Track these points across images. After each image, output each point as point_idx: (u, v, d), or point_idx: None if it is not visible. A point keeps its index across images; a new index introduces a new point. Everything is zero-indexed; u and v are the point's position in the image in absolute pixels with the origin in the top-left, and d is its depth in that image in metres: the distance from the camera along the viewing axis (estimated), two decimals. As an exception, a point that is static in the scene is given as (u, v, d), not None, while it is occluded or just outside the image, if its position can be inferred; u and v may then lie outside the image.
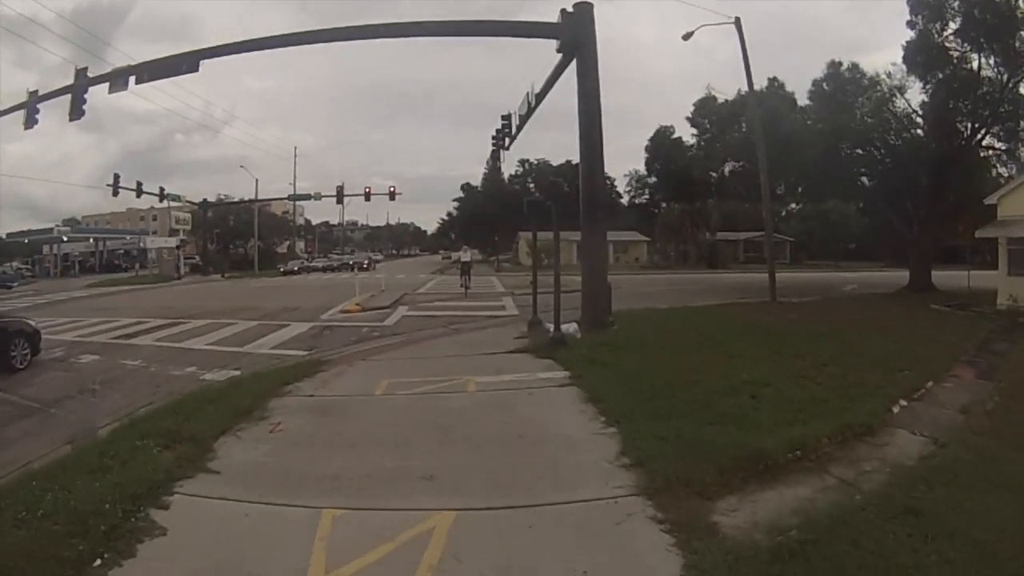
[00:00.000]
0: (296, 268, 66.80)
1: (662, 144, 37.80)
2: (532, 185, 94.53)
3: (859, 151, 29.55)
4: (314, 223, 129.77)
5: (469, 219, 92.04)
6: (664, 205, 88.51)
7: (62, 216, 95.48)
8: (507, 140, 28.45)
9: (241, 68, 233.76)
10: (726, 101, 33.32)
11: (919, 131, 28.37)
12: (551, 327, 14.12)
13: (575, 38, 15.22)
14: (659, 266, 63.30)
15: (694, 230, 63.22)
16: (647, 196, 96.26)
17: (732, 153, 32.30)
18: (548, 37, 15.83)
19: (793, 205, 54.72)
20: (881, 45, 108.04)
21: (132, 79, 19.23)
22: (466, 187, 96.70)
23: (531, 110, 22.38)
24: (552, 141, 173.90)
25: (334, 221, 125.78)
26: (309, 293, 31.77)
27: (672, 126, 38.27)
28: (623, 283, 39.56)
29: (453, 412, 8.45)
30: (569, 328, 14.44)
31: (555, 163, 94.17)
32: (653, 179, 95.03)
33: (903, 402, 8.97)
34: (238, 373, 12.15)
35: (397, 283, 38.21)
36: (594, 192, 15.98)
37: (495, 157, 31.53)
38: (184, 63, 18.64)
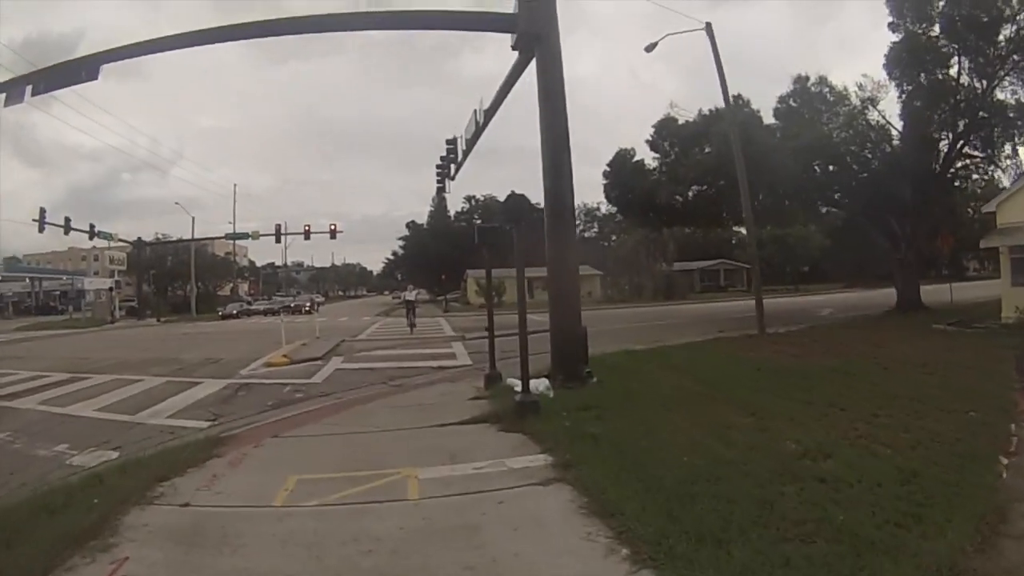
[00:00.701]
0: (235, 312, 62.64)
1: (622, 168, 35.26)
2: (479, 221, 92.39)
3: (831, 167, 28.13)
4: (259, 264, 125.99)
5: (415, 258, 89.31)
6: (615, 238, 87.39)
7: (4, 254, 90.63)
8: (452, 168, 26.04)
9: (192, 106, 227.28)
10: (687, 122, 31.40)
11: (895, 144, 27.02)
12: (515, 384, 11.17)
13: (534, 30, 12.42)
14: (615, 300, 61.00)
15: (650, 261, 61.09)
16: (596, 229, 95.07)
17: (700, 175, 29.95)
18: (502, 31, 13.04)
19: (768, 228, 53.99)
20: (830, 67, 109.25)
21: (29, 89, 16.14)
22: (411, 225, 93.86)
23: (480, 128, 19.88)
24: (498, 179, 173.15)
25: (281, 263, 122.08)
26: (239, 340, 28.14)
27: (633, 149, 35.73)
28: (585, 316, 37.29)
29: (384, 545, 5.25)
30: (539, 386, 11.41)
31: (502, 198, 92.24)
32: (606, 210, 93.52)
33: (1003, 459, 6.84)
34: (115, 456, 9.02)
35: (337, 327, 35.01)
36: (561, 192, 13.05)
37: (440, 193, 28.92)
38: (83, 69, 15.49)
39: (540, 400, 10.32)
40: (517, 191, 11.59)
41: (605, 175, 35.92)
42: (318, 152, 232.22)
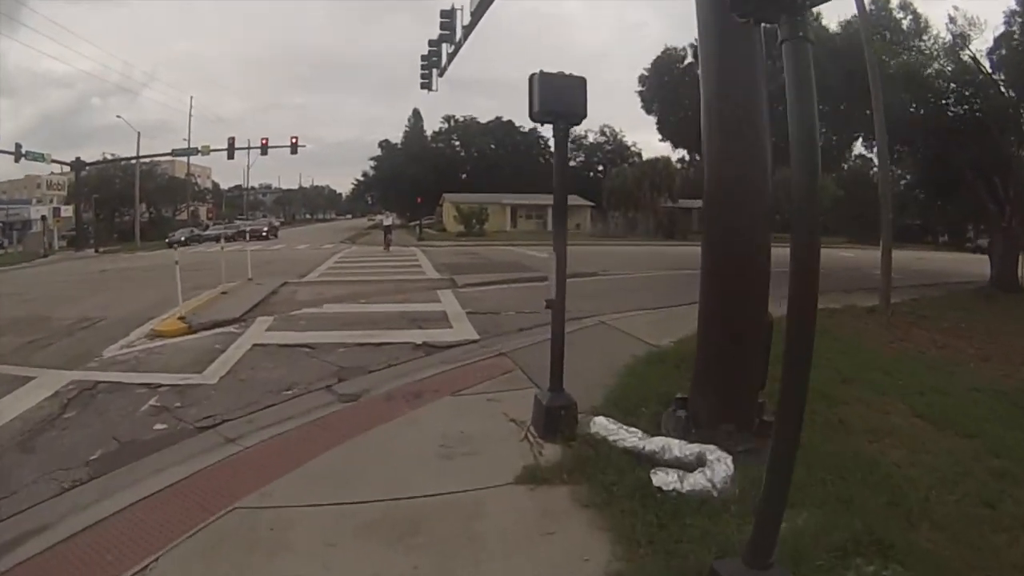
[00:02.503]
0: (183, 238, 54.52)
1: (668, 73, 27.95)
2: (458, 143, 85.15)
3: (921, 109, 21.79)
4: (225, 188, 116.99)
5: (387, 180, 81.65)
6: (602, 168, 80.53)
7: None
8: (444, 56, 19.35)
9: (167, 32, 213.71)
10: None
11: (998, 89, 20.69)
12: (615, 434, 5.56)
13: None
14: (610, 235, 54.38)
15: (654, 195, 54.16)
16: (582, 158, 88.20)
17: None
18: None
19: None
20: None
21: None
22: (384, 145, 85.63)
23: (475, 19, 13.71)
24: (477, 108, 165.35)
25: (249, 184, 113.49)
26: (154, 282, 20.44)
27: (684, 49, 28.31)
28: (582, 255, 30.55)
29: None
30: (704, 458, 4.96)
31: (483, 120, 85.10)
32: (594, 138, 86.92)
33: None
34: None
35: (286, 260, 27.87)
36: (744, 81, 5.90)
37: (427, 88, 22.05)
38: None
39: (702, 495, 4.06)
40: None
41: (641, 80, 28.58)
42: (293, 77, 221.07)
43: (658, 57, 28.28)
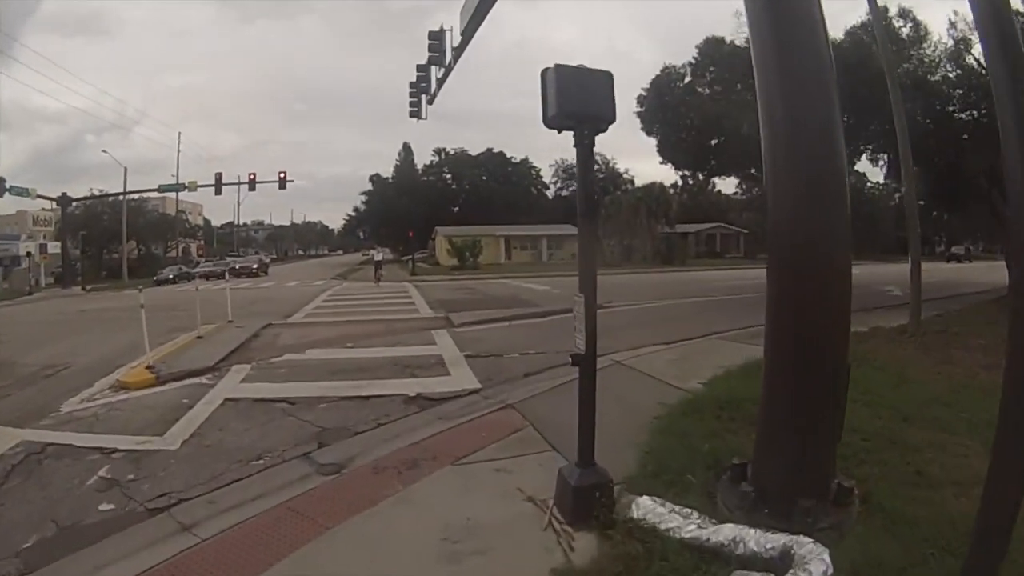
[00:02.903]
0: (172, 276, 53.08)
1: (668, 92, 26.81)
2: (449, 176, 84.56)
3: (928, 120, 20.99)
4: (218, 224, 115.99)
5: (379, 214, 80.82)
6: (607, 195, 79.94)
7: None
8: (434, 81, 18.51)
9: (160, 66, 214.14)
10: (746, 43, 23.44)
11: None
12: (665, 521, 4.31)
13: None
14: (607, 263, 53.27)
15: (651, 222, 53.20)
16: (574, 187, 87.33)
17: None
18: None
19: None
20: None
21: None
22: (375, 179, 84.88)
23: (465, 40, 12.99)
24: (466, 140, 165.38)
25: (239, 221, 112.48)
26: (133, 324, 19.05)
27: (683, 67, 27.15)
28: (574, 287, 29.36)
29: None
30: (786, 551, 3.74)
31: (474, 152, 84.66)
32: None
33: None
34: None
35: (272, 300, 26.63)
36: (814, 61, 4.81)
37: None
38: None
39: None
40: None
41: (640, 101, 27.35)
42: (286, 112, 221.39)
43: (657, 77, 27.06)
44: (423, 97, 20.05)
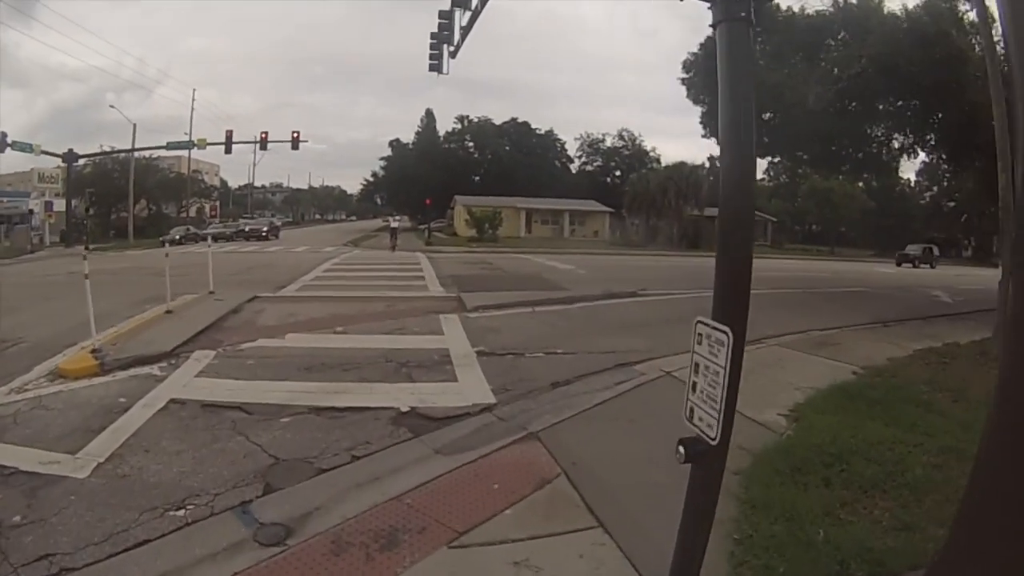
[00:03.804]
0: (179, 237, 51.18)
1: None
2: (471, 145, 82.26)
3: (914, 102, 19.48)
4: (235, 186, 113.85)
5: (397, 181, 78.74)
6: (619, 174, 77.59)
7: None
8: (445, 50, 16.50)
9: (182, 29, 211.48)
10: (803, 10, 20.89)
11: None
12: None
13: None
14: (630, 243, 51.01)
15: (680, 202, 50.69)
16: (600, 162, 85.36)
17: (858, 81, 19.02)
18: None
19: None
20: None
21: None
22: (395, 144, 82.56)
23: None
24: (491, 110, 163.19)
25: (258, 183, 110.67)
26: (116, 289, 17.11)
27: None
28: (610, 268, 27.20)
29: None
30: None
31: (498, 122, 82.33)
32: (612, 142, 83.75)
33: None
34: None
35: (273, 265, 24.64)
36: None
37: (437, 71, 18.91)
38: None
39: None
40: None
41: (686, 66, 24.45)
42: (305, 76, 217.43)
43: (709, 37, 24.08)
44: (445, 48, 17.84)
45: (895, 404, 6.84)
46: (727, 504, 4.52)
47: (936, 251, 49.17)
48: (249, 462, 5.53)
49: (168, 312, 12.21)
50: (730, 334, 2.41)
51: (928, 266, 45.76)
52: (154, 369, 8.48)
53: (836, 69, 18.86)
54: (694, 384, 2.60)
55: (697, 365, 2.59)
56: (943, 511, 4.13)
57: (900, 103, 20.24)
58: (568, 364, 8.99)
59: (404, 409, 6.86)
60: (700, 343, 2.58)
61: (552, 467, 5.31)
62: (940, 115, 19.21)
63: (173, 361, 8.87)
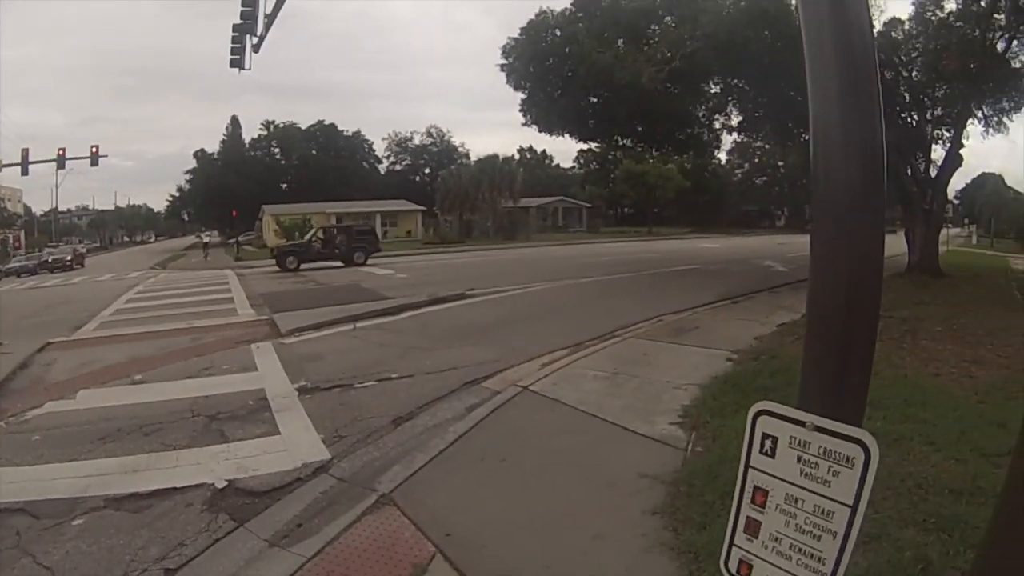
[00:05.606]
0: (-30, 277, 44.11)
1: (540, 42, 23.05)
2: (277, 151, 78.47)
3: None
4: (40, 213, 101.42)
5: (203, 194, 73.55)
6: (429, 172, 76.97)
7: None
8: (248, 42, 14.84)
9: None
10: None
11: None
12: None
13: None
14: (446, 240, 50.10)
15: (493, 195, 50.36)
16: (408, 161, 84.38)
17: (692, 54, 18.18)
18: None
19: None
20: None
21: None
22: (200, 155, 76.74)
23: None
24: (303, 114, 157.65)
25: (66, 206, 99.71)
26: None
27: (568, 10, 23.21)
28: (431, 270, 26.17)
29: None
30: None
31: (304, 126, 79.16)
32: (419, 140, 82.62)
33: None
34: None
35: (74, 300, 21.34)
36: None
37: (237, 67, 17.03)
38: None
39: None
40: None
41: (506, 51, 23.14)
42: (114, 89, 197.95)
43: (531, 21, 22.79)
44: (248, 40, 15.99)
45: (789, 389, 6.30)
46: (657, 561, 3.61)
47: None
48: None
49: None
50: (868, 444, 1.42)
51: None
52: None
53: (667, 51, 18.59)
54: (756, 524, 1.57)
55: (766, 491, 1.56)
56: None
57: (734, 82, 20.51)
58: (407, 391, 7.83)
59: (220, 485, 5.38)
60: (774, 453, 1.55)
61: (422, 544, 4.16)
62: (774, 92, 19.33)
63: None
